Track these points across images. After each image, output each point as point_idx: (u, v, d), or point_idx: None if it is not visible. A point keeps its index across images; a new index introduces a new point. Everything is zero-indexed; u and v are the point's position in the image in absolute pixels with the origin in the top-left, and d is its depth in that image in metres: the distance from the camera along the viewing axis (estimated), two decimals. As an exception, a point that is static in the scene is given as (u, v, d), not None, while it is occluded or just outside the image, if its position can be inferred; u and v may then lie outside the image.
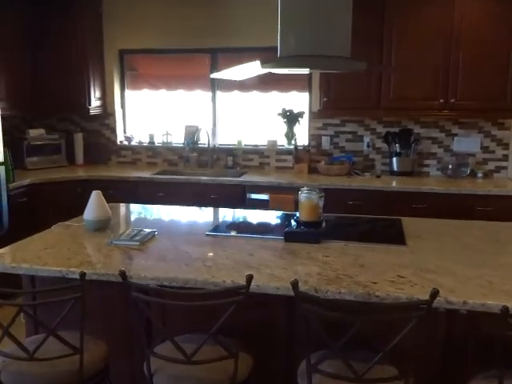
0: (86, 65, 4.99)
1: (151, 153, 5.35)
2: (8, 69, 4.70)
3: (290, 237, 2.62)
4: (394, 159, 4.74)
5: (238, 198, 4.55)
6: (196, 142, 5.16)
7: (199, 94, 5.35)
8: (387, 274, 2.15)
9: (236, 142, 5.20)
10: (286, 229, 2.65)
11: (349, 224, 3.10)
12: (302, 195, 2.73)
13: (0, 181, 4.14)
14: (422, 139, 4.77)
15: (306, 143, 5.02)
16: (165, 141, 5.34)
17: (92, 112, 5.10)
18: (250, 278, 1.84)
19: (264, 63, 2.57)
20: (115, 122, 5.36)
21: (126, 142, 5.40)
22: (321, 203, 2.84)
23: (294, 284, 1.75)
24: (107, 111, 5.32)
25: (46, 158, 5.10)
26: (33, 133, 5.08)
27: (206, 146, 5.16)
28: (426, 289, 1.94)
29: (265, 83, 5.11)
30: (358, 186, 4.38)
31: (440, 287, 1.83)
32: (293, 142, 5.03)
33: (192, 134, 5.15)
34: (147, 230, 2.74)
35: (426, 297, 1.72)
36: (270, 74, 2.84)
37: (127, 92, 5.48)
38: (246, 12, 4.91)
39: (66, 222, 2.92)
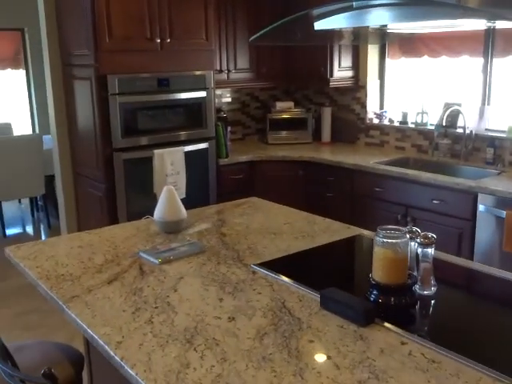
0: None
1: (400, 135, 4.39)
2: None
3: (326, 302, 1.62)
4: None
5: (465, 208, 3.28)
6: (448, 125, 3.96)
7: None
8: None
9: (507, 129, 3.75)
10: (326, 289, 1.65)
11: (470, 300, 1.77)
12: (377, 239, 1.64)
13: (208, 154, 4.07)
14: None
15: None
16: (418, 121, 4.28)
17: (334, 84, 4.47)
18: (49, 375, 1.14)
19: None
20: (366, 95, 4.58)
21: (376, 121, 4.59)
22: (421, 253, 1.69)
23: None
24: (359, 83, 4.60)
25: (289, 133, 4.79)
26: (280, 106, 4.83)
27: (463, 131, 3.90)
28: None
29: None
30: None
31: None
32: None
33: (448, 114, 3.95)
34: (199, 244, 2.16)
35: None
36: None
37: (403, 59, 4.56)
38: None
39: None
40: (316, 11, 1.57)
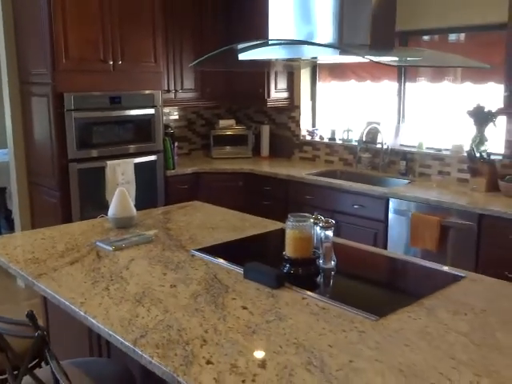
0: (267, 56, 4.87)
1: (329, 150, 4.92)
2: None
3: (248, 273, 2.06)
4: None
5: (379, 211, 3.81)
6: (369, 141, 4.52)
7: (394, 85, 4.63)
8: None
9: (417, 144, 4.34)
10: (247, 264, 2.09)
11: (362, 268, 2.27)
12: (288, 223, 2.10)
13: (156, 166, 4.47)
14: None
15: (502, 151, 3.83)
16: (345, 138, 4.84)
17: (271, 104, 4.98)
18: (31, 315, 1.52)
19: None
20: (300, 115, 5.11)
21: (308, 137, 5.11)
22: (323, 235, 2.15)
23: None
24: (293, 103, 5.12)
25: (231, 148, 5.25)
26: (222, 123, 5.29)
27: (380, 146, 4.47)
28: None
29: (457, 71, 4.10)
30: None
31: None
32: (482, 148, 3.90)
33: (367, 131, 4.51)
34: (147, 235, 2.56)
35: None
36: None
37: (333, 83, 5.10)
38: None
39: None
40: (239, 46, 2.02)
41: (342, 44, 1.82)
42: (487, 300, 1.90)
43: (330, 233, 2.16)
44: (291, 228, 2.08)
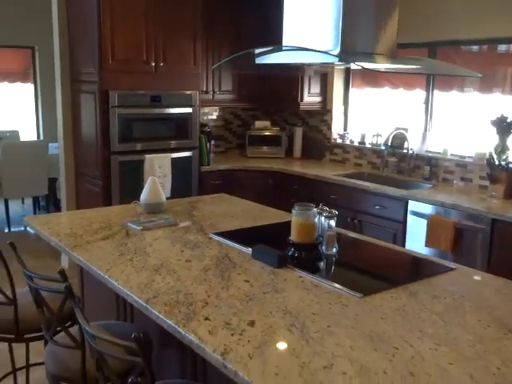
0: (302, 61, 5.10)
1: (358, 153, 5.10)
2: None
3: (255, 253, 2.30)
4: None
5: (399, 213, 3.97)
6: (397, 146, 4.68)
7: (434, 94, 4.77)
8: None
9: (442, 151, 4.47)
10: (256, 246, 2.33)
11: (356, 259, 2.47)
12: (294, 211, 2.33)
13: (192, 161, 4.77)
14: None
15: (522, 160, 3.93)
16: (374, 142, 5.01)
17: (303, 108, 5.21)
18: (62, 272, 1.81)
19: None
20: (331, 118, 5.31)
21: (339, 140, 5.31)
22: (326, 224, 2.36)
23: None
24: (326, 108, 5.33)
25: (265, 148, 5.50)
26: (258, 124, 5.55)
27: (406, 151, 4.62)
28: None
29: (485, 81, 4.22)
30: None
31: None
32: (504, 157, 4.00)
33: (394, 136, 4.67)
34: (171, 221, 2.84)
35: None
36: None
37: (367, 89, 5.29)
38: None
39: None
40: (256, 50, 2.26)
41: (344, 51, 2.04)
42: (469, 288, 2.07)
43: (332, 222, 2.37)
44: (296, 215, 2.31)
